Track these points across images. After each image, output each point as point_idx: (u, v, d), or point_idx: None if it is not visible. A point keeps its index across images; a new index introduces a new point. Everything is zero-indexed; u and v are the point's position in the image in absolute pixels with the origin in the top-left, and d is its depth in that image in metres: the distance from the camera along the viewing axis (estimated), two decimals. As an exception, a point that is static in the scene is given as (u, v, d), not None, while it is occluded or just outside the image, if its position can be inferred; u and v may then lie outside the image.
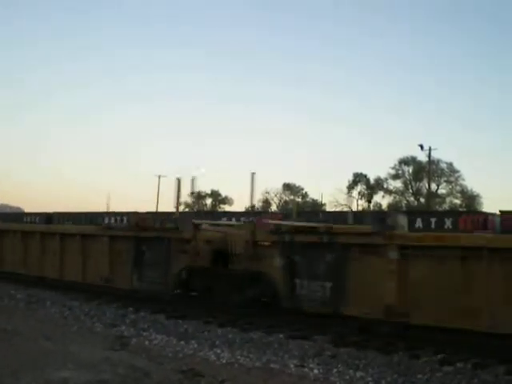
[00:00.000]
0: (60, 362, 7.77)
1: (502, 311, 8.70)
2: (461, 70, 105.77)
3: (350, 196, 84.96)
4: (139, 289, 14.16)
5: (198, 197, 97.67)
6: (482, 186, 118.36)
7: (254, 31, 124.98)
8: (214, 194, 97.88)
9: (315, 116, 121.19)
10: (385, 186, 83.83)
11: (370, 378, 7.63)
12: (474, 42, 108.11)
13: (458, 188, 78.49)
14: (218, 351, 8.97)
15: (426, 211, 52.73)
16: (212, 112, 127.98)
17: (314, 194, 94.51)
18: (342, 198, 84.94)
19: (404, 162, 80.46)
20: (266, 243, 11.84)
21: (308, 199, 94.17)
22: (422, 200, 76.19)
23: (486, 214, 37.75)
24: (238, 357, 8.65)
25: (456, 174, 77.78)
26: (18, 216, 57.52)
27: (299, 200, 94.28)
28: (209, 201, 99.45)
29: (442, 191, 78.99)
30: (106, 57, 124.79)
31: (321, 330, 10.38)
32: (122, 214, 52.31)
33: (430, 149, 58.13)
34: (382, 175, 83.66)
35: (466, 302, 9.02)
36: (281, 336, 10.15)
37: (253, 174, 73.51)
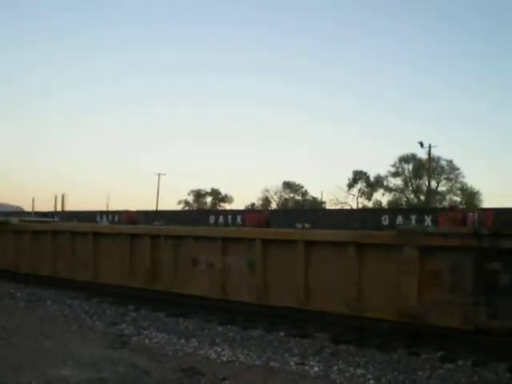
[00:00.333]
0: (60, 361, 7.78)
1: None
2: (460, 69, 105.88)
3: (350, 194, 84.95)
4: None
5: (198, 195, 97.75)
6: (481, 183, 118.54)
7: (253, 31, 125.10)
8: (214, 193, 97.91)
9: (315, 114, 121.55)
10: (385, 183, 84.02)
11: (370, 376, 7.62)
12: (474, 42, 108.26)
13: (458, 185, 78.62)
14: (219, 349, 8.97)
15: (405, 209, 53.22)
16: (212, 111, 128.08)
17: (314, 191, 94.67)
18: (342, 195, 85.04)
19: (404, 159, 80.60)
20: None
21: (308, 197, 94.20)
22: (422, 197, 76.27)
23: (466, 211, 38.85)
24: (239, 355, 8.64)
25: (456, 172, 77.95)
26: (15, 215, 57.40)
27: (299, 198, 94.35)
28: (209, 199, 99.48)
29: (441, 188, 79.17)
30: (107, 57, 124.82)
31: (320, 327, 10.38)
32: (113, 213, 52.77)
33: (429, 146, 58.26)
34: (382, 173, 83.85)
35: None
36: (281, 334, 10.15)
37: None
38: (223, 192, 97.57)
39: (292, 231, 14.13)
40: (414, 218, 38.74)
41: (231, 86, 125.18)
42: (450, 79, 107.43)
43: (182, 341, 9.58)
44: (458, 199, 77.79)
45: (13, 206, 71.36)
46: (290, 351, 8.95)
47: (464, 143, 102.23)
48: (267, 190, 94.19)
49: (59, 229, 17.09)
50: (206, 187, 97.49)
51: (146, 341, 9.60)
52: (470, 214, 36.55)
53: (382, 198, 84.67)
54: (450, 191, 79.35)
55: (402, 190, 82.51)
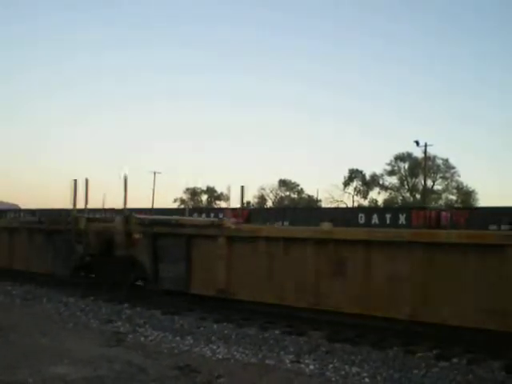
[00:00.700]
0: (56, 358, 7.79)
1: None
2: (458, 68, 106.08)
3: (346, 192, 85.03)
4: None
5: (194, 193, 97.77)
6: (480, 182, 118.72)
7: (253, 31, 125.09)
8: (210, 191, 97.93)
9: (313, 113, 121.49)
10: (380, 182, 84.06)
11: (365, 374, 7.65)
12: (473, 42, 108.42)
13: (454, 184, 78.76)
14: (214, 347, 8.99)
15: (380, 208, 53.71)
16: (211, 111, 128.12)
17: (309, 190, 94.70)
18: (338, 194, 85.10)
19: (400, 158, 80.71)
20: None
21: (304, 195, 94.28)
22: (418, 196, 76.40)
23: (439, 210, 39.61)
24: (234, 352, 8.66)
25: (452, 171, 78.12)
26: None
27: (295, 196, 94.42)
28: (204, 197, 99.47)
29: (437, 187, 79.35)
30: (107, 57, 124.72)
31: (315, 325, 10.41)
32: (100, 211, 52.95)
33: (425, 145, 58.29)
34: (378, 171, 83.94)
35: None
36: (276, 332, 10.17)
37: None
38: (219, 190, 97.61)
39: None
40: (388, 216, 39.30)
41: (230, 86, 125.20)
42: (448, 79, 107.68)
43: (178, 338, 9.60)
44: (454, 198, 77.95)
45: (9, 204, 71.11)
46: (286, 349, 8.97)
47: (462, 142, 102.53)
48: (263, 188, 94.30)
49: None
50: (203, 185, 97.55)
51: (142, 338, 9.61)
52: (444, 213, 37.30)
53: (378, 196, 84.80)
54: (445, 190, 79.54)
55: (397, 189, 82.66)
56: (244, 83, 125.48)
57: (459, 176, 77.77)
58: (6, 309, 12.43)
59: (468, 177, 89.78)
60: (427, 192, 69.82)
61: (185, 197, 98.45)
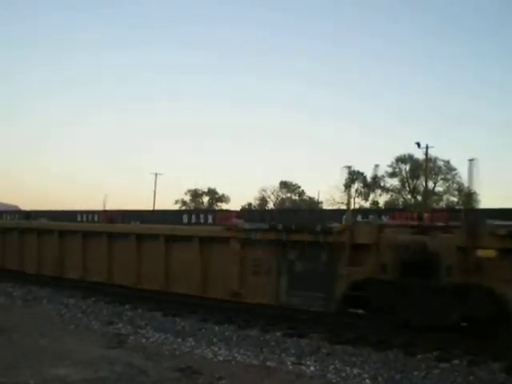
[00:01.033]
0: (57, 360, 7.79)
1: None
2: (458, 68, 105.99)
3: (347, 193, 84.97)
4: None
5: (195, 195, 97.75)
6: (482, 183, 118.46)
7: (253, 31, 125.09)
8: (211, 192, 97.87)
9: (314, 114, 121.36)
10: (382, 183, 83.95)
11: (366, 375, 7.65)
12: (473, 41, 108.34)
13: (455, 186, 78.60)
14: (216, 349, 8.99)
15: (365, 209, 54.25)
16: (211, 111, 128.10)
17: (311, 191, 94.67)
18: (339, 195, 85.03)
19: (401, 159, 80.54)
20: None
21: (305, 197, 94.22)
22: (419, 198, 76.36)
23: (420, 211, 40.50)
24: (236, 354, 8.66)
25: (453, 172, 77.88)
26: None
27: (296, 198, 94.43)
28: (206, 199, 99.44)
29: (438, 189, 79.14)
30: (107, 57, 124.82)
31: (316, 327, 10.40)
32: (93, 212, 52.77)
33: (427, 147, 58.19)
34: (379, 173, 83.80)
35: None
36: (278, 334, 10.17)
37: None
38: (220, 192, 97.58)
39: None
40: (371, 217, 40.12)
41: (230, 86, 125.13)
42: (448, 79, 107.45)
43: (179, 340, 9.60)
44: (455, 199, 77.84)
45: (8, 205, 71.18)
46: (287, 351, 8.97)
47: (463, 143, 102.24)
48: (264, 190, 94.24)
49: None
50: (204, 187, 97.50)
51: (143, 340, 9.61)
52: (426, 215, 38.07)
53: (379, 198, 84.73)
54: (446, 192, 79.35)
55: (399, 191, 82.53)
56: (244, 83, 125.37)
57: (460, 177, 77.64)
58: (6, 310, 12.44)
59: (465, 177, 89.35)
60: (428, 194, 69.77)
61: (186, 198, 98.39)
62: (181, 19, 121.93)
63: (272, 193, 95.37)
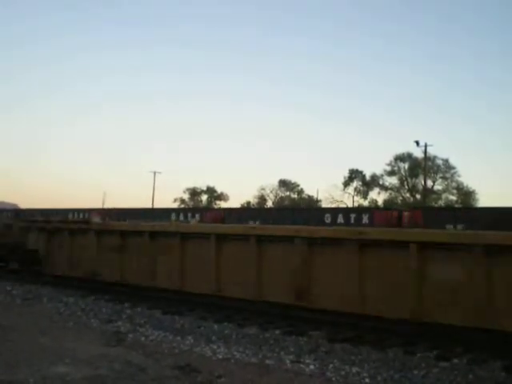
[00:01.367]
0: (56, 358, 7.78)
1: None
2: (458, 68, 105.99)
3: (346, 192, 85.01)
4: None
5: (194, 193, 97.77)
6: (481, 182, 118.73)
7: (253, 31, 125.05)
8: (210, 191, 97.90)
9: (312, 113, 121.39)
10: (380, 182, 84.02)
11: (365, 374, 7.65)
12: (473, 41, 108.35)
13: (454, 184, 78.70)
14: (214, 347, 8.99)
15: (346, 208, 54.45)
16: (210, 111, 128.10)
17: (310, 190, 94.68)
18: (338, 194, 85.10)
19: (400, 158, 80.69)
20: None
21: (304, 195, 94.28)
22: (418, 196, 76.42)
23: (401, 211, 40.94)
24: (235, 352, 8.66)
25: (452, 171, 78.04)
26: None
27: (295, 196, 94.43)
28: (204, 197, 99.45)
29: (437, 187, 79.28)
30: (107, 57, 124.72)
31: (315, 325, 10.41)
32: (84, 211, 53.08)
33: (425, 145, 58.28)
34: (378, 172, 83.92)
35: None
36: (277, 332, 10.18)
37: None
38: (219, 190, 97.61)
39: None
40: (353, 216, 40.39)
41: (230, 86, 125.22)
42: (448, 79, 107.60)
43: (178, 338, 9.60)
44: (454, 198, 77.90)
45: (7, 204, 71.09)
46: (286, 349, 8.97)
47: (463, 142, 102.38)
48: (263, 188, 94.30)
49: None
50: (203, 185, 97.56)
51: (142, 338, 9.61)
52: (405, 213, 38.58)
53: (378, 196, 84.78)
54: (445, 190, 79.46)
55: (397, 189, 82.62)
56: (244, 83, 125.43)
57: (459, 176, 77.75)
58: (6, 308, 12.42)
59: (468, 177, 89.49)
60: (427, 192, 69.84)
61: (185, 197, 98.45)
62: (181, 19, 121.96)
63: (271, 191, 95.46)
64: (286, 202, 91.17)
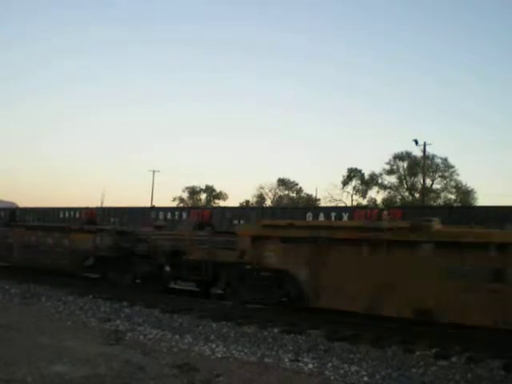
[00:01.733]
0: (55, 357, 7.76)
1: None
2: (458, 67, 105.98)
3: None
4: None
5: (193, 192, 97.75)
6: (477, 181, 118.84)
7: (253, 30, 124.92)
8: (209, 189, 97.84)
9: (311, 112, 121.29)
10: (379, 181, 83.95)
11: (364, 372, 7.64)
12: (473, 41, 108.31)
13: (453, 183, 78.64)
14: (213, 345, 8.98)
15: (325, 207, 54.77)
16: (210, 110, 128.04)
17: (309, 189, 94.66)
18: (337, 193, 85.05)
19: (399, 157, 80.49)
20: None
21: (303, 194, 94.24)
22: (417, 195, 76.42)
23: (381, 209, 41.20)
24: (233, 351, 8.65)
25: (451, 170, 77.88)
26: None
27: (294, 195, 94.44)
28: (203, 196, 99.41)
29: (436, 186, 79.13)
30: (107, 57, 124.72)
31: (314, 324, 10.40)
32: (75, 210, 53.20)
33: (424, 144, 58.14)
34: (377, 170, 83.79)
35: None
36: (275, 330, 10.17)
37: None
38: (218, 189, 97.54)
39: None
40: (333, 214, 40.77)
41: (230, 85, 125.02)
42: (448, 78, 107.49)
43: (177, 337, 9.59)
44: (453, 197, 77.88)
45: (6, 202, 71.07)
46: (284, 348, 8.96)
47: (462, 141, 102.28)
48: (262, 187, 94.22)
49: None
50: (202, 184, 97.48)
51: (141, 337, 9.60)
52: (385, 212, 39.05)
53: (377, 195, 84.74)
54: (444, 189, 79.31)
55: (396, 188, 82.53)
56: (244, 83, 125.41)
57: (458, 175, 77.71)
58: (4, 307, 12.40)
59: (467, 176, 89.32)
60: (426, 191, 69.83)
61: (184, 195, 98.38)
62: (181, 18, 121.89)
63: (270, 190, 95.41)
64: (285, 201, 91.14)
